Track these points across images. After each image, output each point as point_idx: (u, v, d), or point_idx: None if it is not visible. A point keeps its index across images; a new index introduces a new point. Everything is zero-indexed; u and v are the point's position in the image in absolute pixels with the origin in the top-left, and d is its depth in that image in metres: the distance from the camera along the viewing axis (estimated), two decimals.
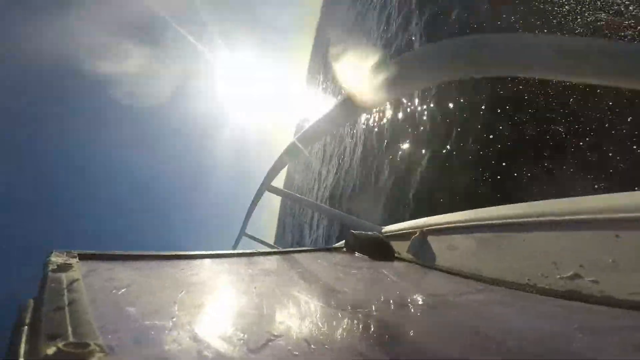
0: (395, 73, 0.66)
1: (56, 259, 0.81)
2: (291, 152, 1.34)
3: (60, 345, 0.41)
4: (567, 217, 0.95)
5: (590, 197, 0.95)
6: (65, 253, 0.89)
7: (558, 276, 0.91)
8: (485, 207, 1.32)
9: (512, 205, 1.19)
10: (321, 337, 0.63)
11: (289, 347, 0.57)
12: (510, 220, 1.13)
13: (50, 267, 0.75)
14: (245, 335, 0.60)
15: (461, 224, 1.35)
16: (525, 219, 1.07)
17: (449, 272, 1.25)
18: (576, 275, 0.88)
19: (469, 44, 0.55)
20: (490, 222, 1.22)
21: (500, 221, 1.18)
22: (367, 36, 11.24)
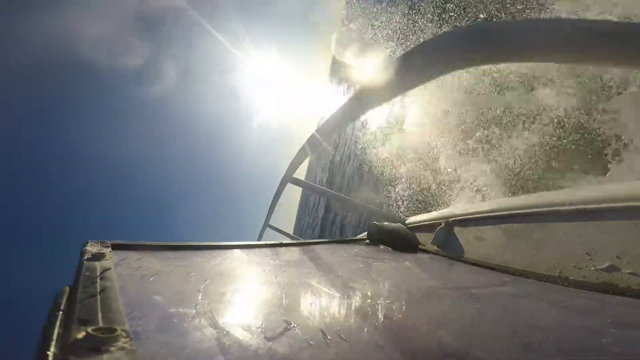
0: (407, 65, 0.64)
1: (91, 248, 0.86)
2: (311, 144, 1.34)
3: (89, 330, 0.43)
4: (602, 205, 0.89)
5: (626, 183, 0.89)
6: (99, 243, 0.94)
7: (593, 268, 0.87)
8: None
9: (542, 193, 1.14)
10: (338, 328, 0.63)
11: (305, 337, 0.58)
12: (541, 210, 1.08)
13: (86, 256, 0.79)
14: (263, 324, 0.61)
15: (489, 214, 1.30)
16: (558, 208, 1.02)
17: (476, 263, 1.22)
18: (612, 267, 0.83)
19: (480, 32, 0.53)
20: (520, 211, 1.17)
21: (530, 210, 1.13)
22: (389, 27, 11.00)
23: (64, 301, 0.54)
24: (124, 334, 0.44)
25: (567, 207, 1.00)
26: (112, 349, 0.42)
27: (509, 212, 1.20)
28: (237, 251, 1.23)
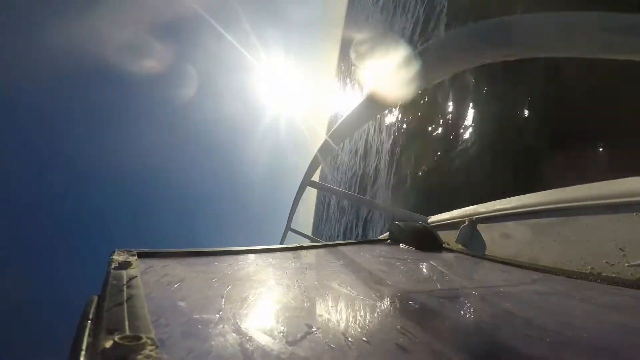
0: (422, 63, 0.62)
1: (118, 257, 0.89)
2: (324, 148, 1.35)
3: (116, 338, 0.45)
4: (635, 199, 0.85)
5: None
6: (126, 251, 0.97)
7: (626, 264, 0.82)
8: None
9: (571, 187, 1.09)
10: (359, 331, 0.62)
11: (326, 340, 0.58)
12: (570, 204, 1.03)
13: (113, 264, 0.82)
14: (285, 328, 0.61)
15: (514, 211, 1.26)
16: (587, 202, 0.97)
17: (503, 261, 1.18)
18: None
19: (495, 27, 0.51)
20: (546, 207, 1.12)
21: (558, 205, 1.08)
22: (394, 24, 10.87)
23: (92, 310, 0.56)
24: (149, 342, 0.45)
25: (597, 202, 0.95)
26: (138, 357, 0.43)
27: (535, 208, 1.16)
28: (258, 255, 1.24)
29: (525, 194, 1.26)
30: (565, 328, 0.62)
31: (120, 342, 0.44)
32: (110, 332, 0.48)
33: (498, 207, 1.32)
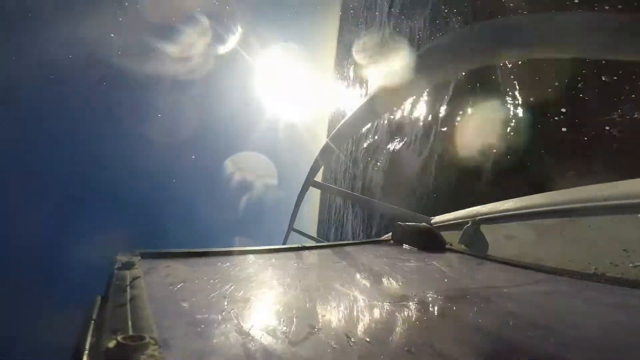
0: (422, 65, 0.62)
1: (121, 257, 0.90)
2: (326, 151, 1.35)
3: (119, 338, 0.45)
4: (635, 201, 0.84)
5: None
6: (129, 252, 0.98)
7: (631, 264, 0.82)
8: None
9: (574, 189, 1.08)
10: (362, 331, 0.62)
11: (329, 341, 0.58)
12: (573, 205, 1.03)
13: (116, 265, 0.83)
14: (287, 329, 0.61)
15: (518, 211, 1.25)
16: (591, 203, 0.97)
17: (506, 262, 1.17)
18: None
19: (496, 28, 0.51)
20: (550, 208, 1.12)
21: (562, 207, 1.08)
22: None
23: (95, 310, 0.57)
24: (152, 342, 0.46)
25: (601, 203, 0.95)
26: (141, 356, 0.43)
27: (539, 209, 1.15)
28: (260, 256, 1.25)
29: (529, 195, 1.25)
30: (569, 329, 0.62)
31: (124, 342, 0.44)
32: (114, 332, 0.49)
33: (501, 208, 1.32)
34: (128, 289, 0.68)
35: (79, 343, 0.47)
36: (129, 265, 0.82)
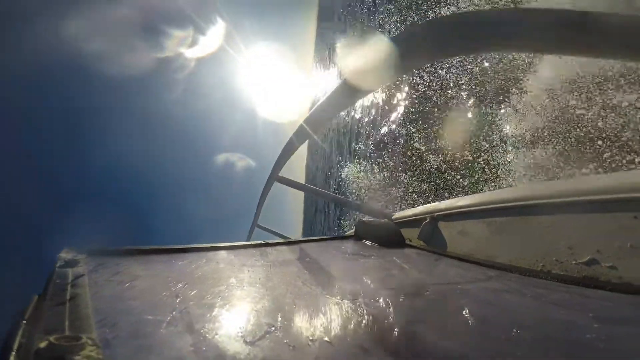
0: (395, 52, 0.63)
1: (65, 255, 0.84)
2: (299, 135, 1.31)
3: (52, 339, 0.42)
4: (581, 198, 0.90)
5: (605, 175, 0.90)
6: (75, 249, 0.91)
7: (574, 262, 0.87)
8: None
9: (524, 186, 1.14)
10: (321, 329, 0.62)
11: (286, 340, 0.57)
12: (522, 203, 1.09)
13: (59, 263, 0.77)
14: (243, 328, 0.60)
15: (472, 208, 1.30)
16: (539, 201, 1.02)
17: (461, 258, 1.22)
18: (593, 261, 0.83)
19: (466, 20, 0.52)
20: (502, 205, 1.17)
21: (512, 204, 1.13)
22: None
23: (29, 311, 0.52)
24: (90, 342, 0.43)
25: (548, 200, 1.00)
26: (77, 357, 0.40)
27: (492, 206, 1.20)
28: (221, 253, 1.21)
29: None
30: (516, 326, 0.64)
31: (57, 342, 0.41)
32: (48, 333, 0.45)
33: (457, 204, 1.37)
34: (69, 287, 0.63)
35: (6, 343, 0.43)
36: (72, 263, 0.77)
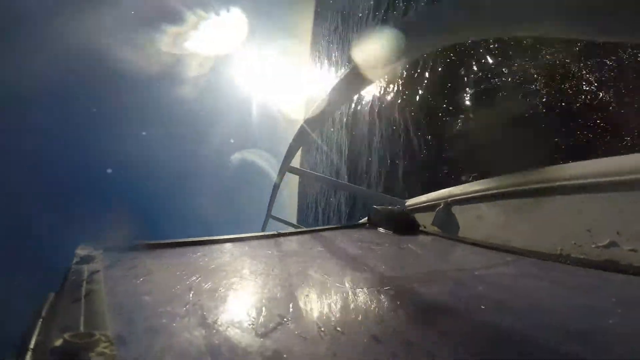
0: (397, 39, 0.60)
1: (81, 251, 0.85)
2: (301, 134, 1.32)
3: (66, 336, 0.42)
4: (601, 179, 0.86)
5: (624, 156, 0.86)
6: (91, 246, 0.93)
7: (593, 245, 0.84)
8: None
9: (541, 169, 1.10)
10: (333, 320, 0.61)
11: (298, 331, 0.56)
12: (540, 185, 1.05)
13: (75, 259, 0.79)
14: (256, 320, 0.60)
15: (487, 192, 1.27)
16: (556, 183, 0.99)
17: (477, 244, 1.19)
18: (613, 244, 0.80)
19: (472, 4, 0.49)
20: (518, 188, 1.14)
21: (529, 187, 1.10)
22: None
23: (45, 308, 0.53)
24: (103, 339, 0.43)
25: (566, 182, 0.96)
26: (90, 354, 0.41)
27: (507, 189, 1.17)
28: (233, 244, 1.22)
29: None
30: (535, 311, 0.63)
31: (71, 339, 0.42)
32: (64, 330, 0.46)
33: (471, 189, 1.34)
34: (84, 283, 0.64)
35: (23, 342, 0.44)
36: (88, 260, 0.78)
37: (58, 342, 0.42)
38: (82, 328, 0.47)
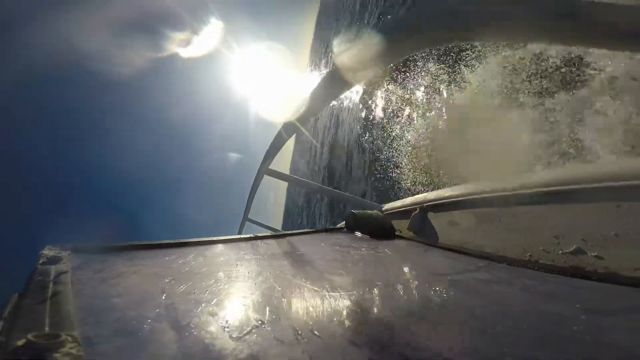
0: (379, 43, 0.62)
1: (48, 252, 0.82)
2: (287, 130, 1.30)
3: (30, 336, 0.41)
4: (567, 187, 0.90)
5: (589, 164, 0.91)
6: (58, 246, 0.89)
7: (560, 251, 0.87)
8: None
9: (511, 176, 1.15)
10: (310, 323, 0.62)
11: (274, 335, 0.56)
12: (509, 193, 1.09)
13: (41, 260, 0.75)
14: (230, 323, 0.59)
15: (461, 199, 1.31)
16: (524, 191, 1.03)
17: (451, 249, 1.22)
18: (579, 250, 0.83)
19: (449, 10, 0.51)
20: (489, 195, 1.18)
21: (499, 194, 1.14)
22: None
23: (8, 309, 0.51)
24: (70, 339, 0.42)
25: (534, 190, 1.00)
26: (56, 355, 0.39)
27: (479, 196, 1.21)
28: (210, 247, 1.20)
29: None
30: (505, 318, 0.65)
31: (35, 340, 0.40)
32: (27, 331, 0.44)
33: (446, 194, 1.37)
34: (51, 284, 0.62)
35: None
36: (55, 260, 0.75)
37: (21, 342, 0.40)
38: (47, 329, 0.45)
